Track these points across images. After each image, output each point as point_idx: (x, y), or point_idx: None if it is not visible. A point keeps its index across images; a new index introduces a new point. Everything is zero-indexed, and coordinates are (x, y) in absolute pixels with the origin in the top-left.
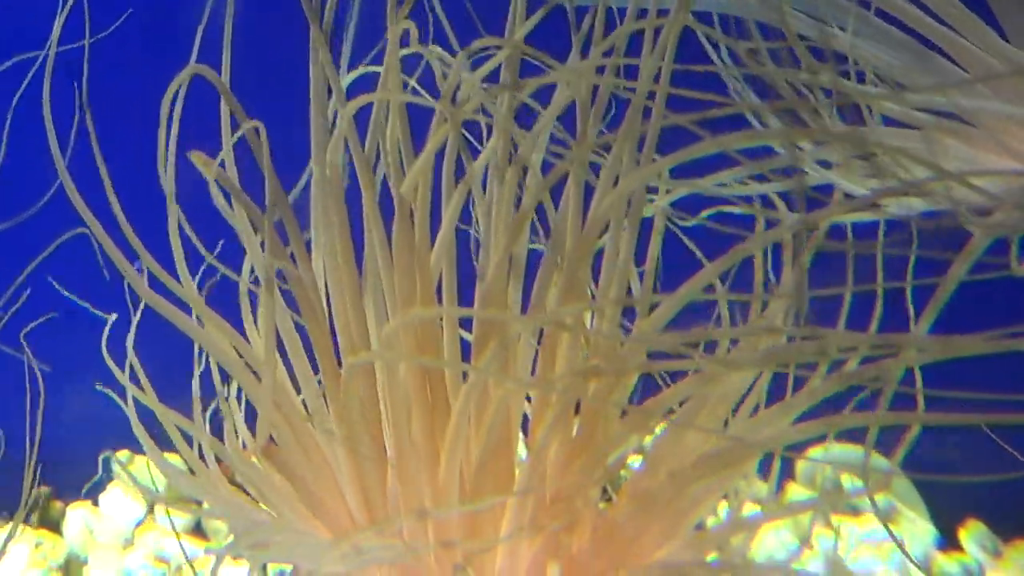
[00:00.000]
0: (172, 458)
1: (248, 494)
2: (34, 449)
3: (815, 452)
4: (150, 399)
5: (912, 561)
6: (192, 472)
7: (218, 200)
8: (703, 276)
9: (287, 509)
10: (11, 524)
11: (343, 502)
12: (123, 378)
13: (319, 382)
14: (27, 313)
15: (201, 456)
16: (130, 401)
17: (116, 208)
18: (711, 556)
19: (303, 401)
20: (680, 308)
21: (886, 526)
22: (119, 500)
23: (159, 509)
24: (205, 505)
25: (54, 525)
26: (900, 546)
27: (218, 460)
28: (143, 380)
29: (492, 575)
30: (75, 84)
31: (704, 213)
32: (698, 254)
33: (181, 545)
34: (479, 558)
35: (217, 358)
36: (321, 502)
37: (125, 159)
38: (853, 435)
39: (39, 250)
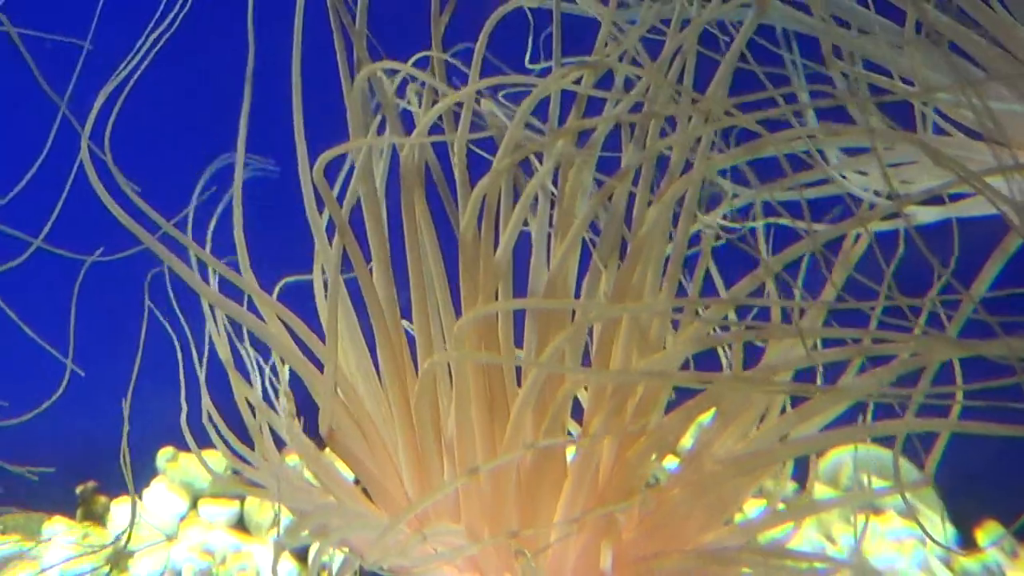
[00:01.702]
0: (212, 454)
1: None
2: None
3: (837, 453)
4: (234, 379)
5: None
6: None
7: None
8: (749, 281)
9: (347, 496)
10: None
11: (402, 487)
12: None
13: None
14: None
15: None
16: (205, 397)
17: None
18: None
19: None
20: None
21: (916, 525)
22: (162, 495)
23: (202, 503)
24: (248, 502)
25: (99, 519)
26: (926, 539)
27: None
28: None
29: (547, 556)
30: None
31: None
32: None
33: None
34: (535, 540)
35: (277, 349)
36: (382, 486)
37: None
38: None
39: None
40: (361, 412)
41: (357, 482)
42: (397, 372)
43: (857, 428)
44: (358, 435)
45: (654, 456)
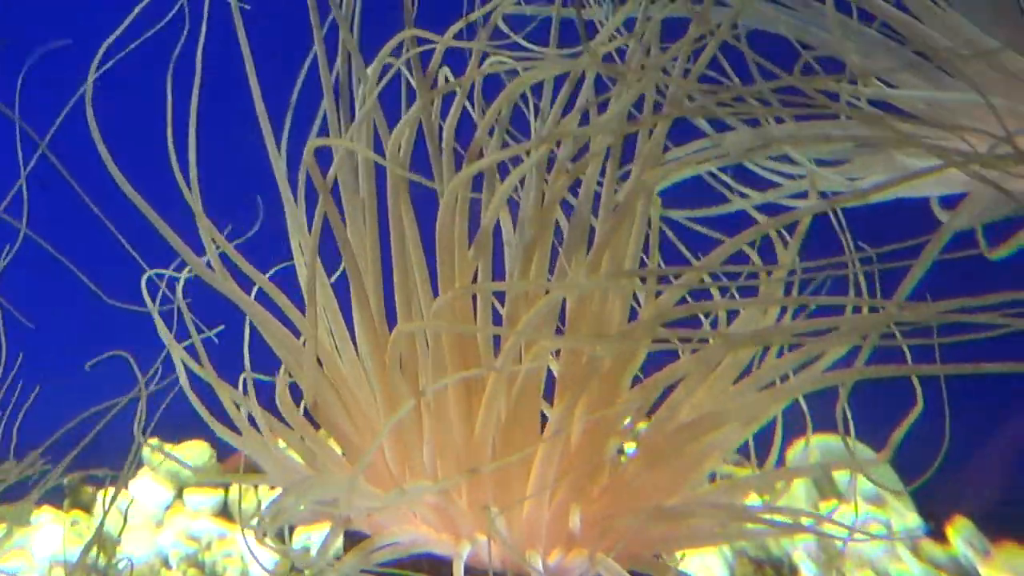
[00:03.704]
0: (196, 445)
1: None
2: None
3: (804, 442)
4: (205, 370)
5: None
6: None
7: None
8: (717, 255)
9: (330, 463)
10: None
11: (382, 455)
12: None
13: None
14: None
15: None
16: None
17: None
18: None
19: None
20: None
21: (882, 511)
22: (148, 486)
23: (187, 493)
24: (232, 491)
25: (85, 509)
26: (892, 525)
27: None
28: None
29: (520, 517)
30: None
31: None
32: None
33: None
34: (507, 500)
35: (257, 323)
36: (361, 452)
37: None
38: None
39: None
40: (343, 386)
41: None
42: (376, 346)
43: (807, 378)
44: (341, 408)
45: (623, 423)
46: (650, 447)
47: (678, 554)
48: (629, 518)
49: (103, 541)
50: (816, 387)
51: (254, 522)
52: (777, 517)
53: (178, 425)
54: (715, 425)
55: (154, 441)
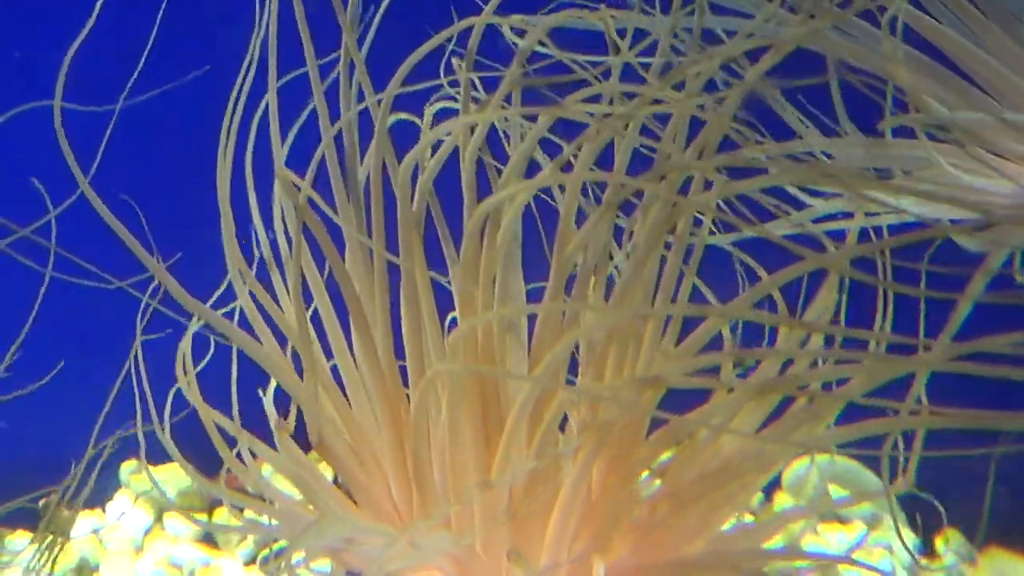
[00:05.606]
0: (170, 468)
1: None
2: None
3: (801, 463)
4: (196, 401)
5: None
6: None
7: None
8: (746, 298)
9: (334, 503)
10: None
11: (389, 494)
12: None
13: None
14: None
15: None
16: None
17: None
18: None
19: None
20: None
21: (882, 535)
22: (126, 509)
23: (168, 517)
24: (215, 516)
25: (62, 532)
26: (893, 548)
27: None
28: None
29: (539, 565)
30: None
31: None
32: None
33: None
34: (527, 549)
35: (260, 360)
36: (369, 492)
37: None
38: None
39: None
40: (348, 418)
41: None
42: (381, 378)
43: (845, 430)
44: (344, 442)
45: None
46: (672, 494)
47: None
48: (653, 569)
49: (81, 569)
50: (847, 440)
51: (241, 551)
52: (800, 563)
53: (158, 445)
54: (738, 472)
55: (133, 463)
